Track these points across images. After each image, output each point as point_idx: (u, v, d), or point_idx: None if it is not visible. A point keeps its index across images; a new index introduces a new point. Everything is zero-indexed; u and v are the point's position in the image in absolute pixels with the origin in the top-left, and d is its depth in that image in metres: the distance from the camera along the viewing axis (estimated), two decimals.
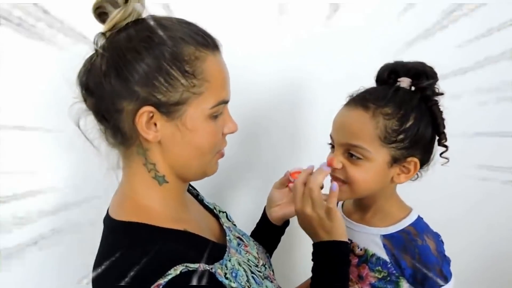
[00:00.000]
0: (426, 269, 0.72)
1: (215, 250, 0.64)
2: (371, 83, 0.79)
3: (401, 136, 0.70)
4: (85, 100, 0.58)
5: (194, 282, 0.49)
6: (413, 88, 0.76)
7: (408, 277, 0.74)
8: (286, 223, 0.88)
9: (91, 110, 0.58)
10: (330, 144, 0.80)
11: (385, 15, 1.17)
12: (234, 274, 0.62)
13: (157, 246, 0.53)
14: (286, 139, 1.20)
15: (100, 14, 0.56)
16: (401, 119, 0.71)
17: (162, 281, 0.47)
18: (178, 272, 0.48)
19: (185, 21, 0.58)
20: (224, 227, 0.76)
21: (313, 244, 0.72)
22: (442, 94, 0.75)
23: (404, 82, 0.75)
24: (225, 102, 0.61)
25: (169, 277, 0.47)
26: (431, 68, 0.75)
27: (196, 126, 0.58)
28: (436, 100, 0.75)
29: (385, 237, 0.77)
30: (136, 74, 0.53)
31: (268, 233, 0.88)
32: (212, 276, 0.54)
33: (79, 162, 0.90)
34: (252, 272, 0.68)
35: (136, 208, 0.60)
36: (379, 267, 0.76)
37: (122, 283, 0.48)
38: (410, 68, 0.75)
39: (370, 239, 0.79)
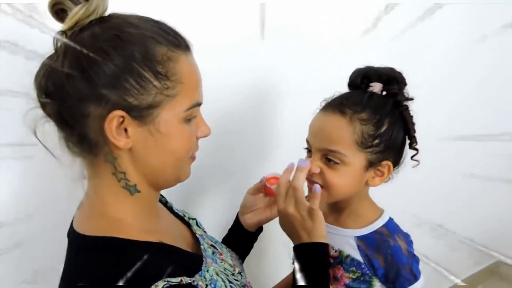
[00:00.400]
0: (397, 268, 0.75)
1: (192, 261, 0.62)
2: (341, 86, 0.81)
3: (376, 141, 0.73)
4: (43, 106, 0.52)
5: None
6: (384, 93, 0.78)
7: (381, 277, 0.77)
8: (259, 229, 0.88)
9: (51, 116, 0.52)
10: (306, 148, 0.81)
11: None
12: (213, 285, 0.60)
13: (134, 262, 0.50)
14: (259, 144, 1.19)
15: (58, 11, 0.51)
16: (376, 124, 0.73)
17: None
18: (160, 287, 0.46)
19: (153, 20, 0.55)
20: (197, 235, 0.73)
21: (294, 247, 0.72)
22: (412, 99, 0.78)
23: (376, 87, 0.78)
24: (199, 104, 0.58)
25: None
26: (400, 74, 0.78)
27: (170, 131, 0.55)
28: (407, 105, 0.78)
29: (359, 238, 0.79)
30: (104, 75, 0.48)
31: (241, 240, 0.87)
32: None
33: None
34: (230, 282, 0.66)
35: (106, 222, 0.56)
36: (354, 268, 0.78)
37: None
38: (381, 74, 0.77)
39: (345, 240, 0.80)
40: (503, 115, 1.92)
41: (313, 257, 0.70)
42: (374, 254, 0.77)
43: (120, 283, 0.46)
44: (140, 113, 0.51)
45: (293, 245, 0.73)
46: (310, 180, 0.77)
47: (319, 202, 0.70)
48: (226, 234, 0.90)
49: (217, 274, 0.64)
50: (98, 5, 0.50)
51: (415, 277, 0.76)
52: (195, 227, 0.78)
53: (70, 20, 0.49)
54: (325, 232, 0.71)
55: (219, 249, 0.76)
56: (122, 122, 0.51)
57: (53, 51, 0.51)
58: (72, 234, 0.58)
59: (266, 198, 0.86)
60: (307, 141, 0.79)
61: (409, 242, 0.78)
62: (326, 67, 1.19)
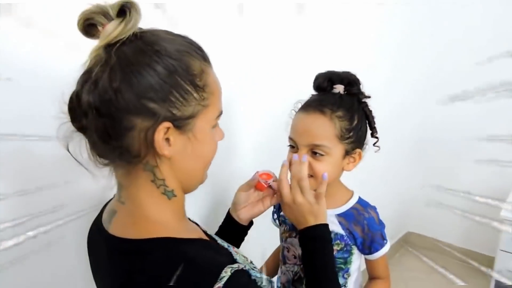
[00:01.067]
0: (372, 235, 0.92)
1: (228, 252, 0.67)
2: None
3: (351, 133, 0.89)
4: (82, 121, 0.53)
5: (244, 279, 0.54)
6: (345, 93, 0.95)
7: (359, 245, 0.94)
8: (251, 223, 0.96)
9: (88, 131, 0.53)
10: (290, 145, 0.94)
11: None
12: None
13: (194, 256, 0.54)
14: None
15: (89, 25, 0.53)
16: (350, 119, 0.89)
17: (220, 284, 0.49)
18: (229, 273, 0.51)
19: (180, 35, 0.58)
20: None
21: (303, 230, 0.82)
22: (369, 97, 0.96)
23: (339, 88, 0.94)
24: (221, 112, 0.64)
25: (224, 279, 0.50)
26: (356, 76, 0.95)
27: (204, 137, 0.60)
28: (366, 102, 0.96)
29: (339, 215, 0.95)
30: (151, 89, 0.51)
31: (235, 234, 0.93)
32: (249, 273, 0.58)
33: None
34: (252, 269, 0.75)
35: (153, 225, 0.59)
36: (338, 241, 0.94)
37: None
38: (343, 77, 0.94)
39: (328, 220, 0.95)
40: None
41: (322, 237, 0.81)
42: (353, 226, 0.93)
43: (189, 275, 0.51)
44: (182, 123, 0.55)
45: (299, 229, 0.83)
46: None
47: (324, 187, 0.83)
48: (218, 230, 0.96)
49: (243, 263, 0.73)
50: (136, 21, 0.52)
51: (385, 240, 0.94)
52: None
53: (108, 36, 0.51)
54: (326, 214, 0.84)
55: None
56: (165, 133, 0.54)
57: (89, 67, 0.52)
58: (117, 242, 0.58)
59: (257, 193, 0.95)
60: (291, 139, 0.92)
61: (377, 213, 0.96)
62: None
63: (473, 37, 2.23)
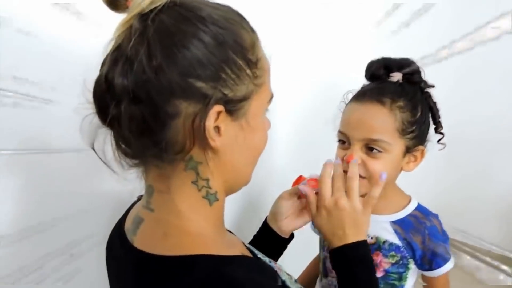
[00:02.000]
0: (434, 248, 0.78)
1: (272, 271, 0.55)
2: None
3: (414, 127, 0.75)
4: (110, 110, 0.42)
5: None
6: (404, 82, 0.80)
7: (418, 258, 0.80)
8: (292, 235, 0.81)
9: (127, 122, 0.42)
10: (340, 140, 0.80)
11: None
12: None
13: (242, 280, 0.43)
14: None
15: None
16: (412, 111, 0.75)
17: None
18: None
19: (221, 4, 0.48)
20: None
21: (340, 248, 0.67)
22: (433, 86, 0.82)
23: (396, 76, 0.79)
24: (273, 95, 0.53)
25: None
26: (415, 63, 0.81)
27: (258, 124, 0.50)
28: (429, 92, 0.81)
29: (395, 223, 0.81)
30: (200, 65, 0.42)
31: (274, 248, 0.78)
32: None
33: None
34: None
35: (188, 238, 0.48)
36: (393, 252, 0.80)
37: None
38: (403, 64, 0.79)
39: (380, 226, 0.81)
40: None
41: (365, 258, 0.66)
42: (411, 236, 0.79)
43: None
44: (235, 107, 0.45)
45: (334, 247, 0.68)
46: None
47: (380, 190, 0.69)
48: (252, 241, 0.81)
49: (290, 285, 0.59)
50: None
51: (450, 255, 0.80)
52: None
53: (140, 3, 0.41)
54: (369, 227, 0.69)
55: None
56: (216, 119, 0.44)
57: (118, 43, 0.42)
58: (146, 258, 0.47)
59: (300, 201, 0.80)
60: (342, 133, 0.79)
61: (440, 222, 0.82)
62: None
63: None
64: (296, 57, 1.15)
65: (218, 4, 0.47)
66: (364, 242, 0.67)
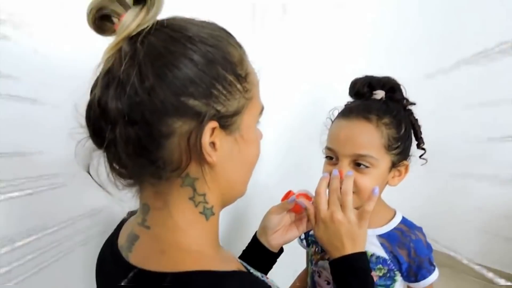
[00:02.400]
0: (419, 260, 0.80)
1: (266, 285, 0.55)
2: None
3: (399, 143, 0.78)
4: (105, 133, 0.43)
5: None
6: (383, 99, 0.83)
7: (404, 271, 0.82)
8: (281, 250, 0.82)
9: (123, 144, 0.43)
10: (328, 156, 0.82)
11: None
12: None
13: None
14: None
15: (102, 17, 0.44)
16: (397, 127, 0.78)
17: None
18: None
19: (208, 21, 0.49)
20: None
21: (339, 259, 0.69)
22: (414, 103, 0.86)
23: (379, 94, 0.83)
24: (263, 107, 0.55)
25: None
26: (396, 81, 0.85)
27: (251, 137, 0.52)
28: (411, 110, 0.85)
29: (382, 236, 0.83)
30: (191, 84, 0.42)
31: (263, 262, 0.79)
32: None
33: None
34: None
35: (185, 254, 0.48)
36: (380, 265, 0.82)
37: None
38: (384, 82, 0.83)
39: (367, 240, 0.83)
40: None
41: (363, 270, 0.69)
42: (397, 249, 0.81)
43: None
44: (228, 122, 0.47)
45: (333, 258, 0.70)
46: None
47: (374, 204, 0.71)
48: (242, 256, 0.81)
49: None
50: (159, 6, 0.43)
51: (434, 266, 0.82)
52: None
53: (128, 27, 0.42)
54: (366, 239, 0.72)
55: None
56: (211, 135, 0.45)
57: (107, 66, 0.43)
58: (144, 275, 0.47)
59: (289, 215, 0.81)
60: (330, 149, 0.81)
61: (425, 235, 0.84)
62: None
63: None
64: (281, 74, 1.18)
65: (204, 21, 0.48)
66: (361, 254, 0.69)
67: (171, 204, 0.48)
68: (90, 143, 0.46)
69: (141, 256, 0.49)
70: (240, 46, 0.50)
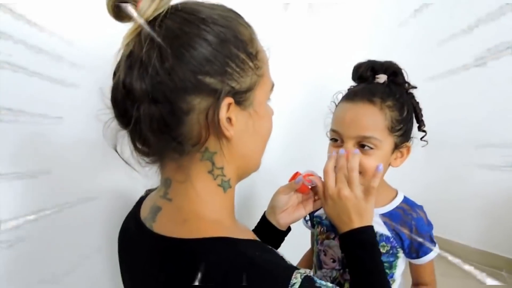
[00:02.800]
0: (421, 237, 0.84)
1: (279, 255, 0.58)
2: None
3: (401, 125, 0.81)
4: (130, 113, 0.46)
5: (314, 285, 0.48)
6: (386, 83, 0.86)
7: (406, 248, 0.86)
8: (289, 228, 0.85)
9: (147, 122, 0.46)
10: (332, 139, 0.86)
11: None
12: None
13: (257, 258, 0.47)
14: None
15: (119, 6, 0.46)
16: (400, 110, 0.81)
17: None
18: (299, 279, 0.45)
19: (216, 3, 0.52)
20: None
21: (347, 233, 0.72)
22: (416, 87, 0.89)
23: (382, 78, 0.86)
24: (274, 84, 0.58)
25: (297, 286, 0.44)
26: (398, 65, 0.87)
27: (264, 112, 0.55)
28: (412, 93, 0.88)
29: (384, 215, 0.87)
30: (207, 62, 0.46)
31: (272, 240, 0.82)
32: (315, 280, 0.51)
33: None
34: None
35: (208, 224, 0.51)
36: (383, 243, 0.86)
37: None
38: (387, 67, 0.86)
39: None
40: None
41: (370, 243, 0.72)
42: (399, 227, 0.85)
43: (258, 279, 0.44)
44: (242, 97, 0.50)
45: (342, 232, 0.74)
46: None
47: (379, 180, 0.74)
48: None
49: None
50: None
51: (434, 243, 0.86)
52: None
53: (145, 12, 0.45)
54: (373, 214, 0.75)
55: None
56: (227, 110, 0.48)
57: (129, 50, 0.46)
58: (167, 241, 0.51)
59: (296, 196, 0.84)
60: (335, 131, 0.84)
61: (425, 213, 0.88)
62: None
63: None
64: (288, 59, 1.20)
65: (213, 4, 0.51)
66: (368, 228, 0.73)
67: (192, 177, 0.52)
68: (115, 124, 0.49)
69: (164, 225, 0.53)
70: (249, 26, 0.53)
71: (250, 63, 0.50)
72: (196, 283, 0.45)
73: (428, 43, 2.14)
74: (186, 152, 0.50)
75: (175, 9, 0.47)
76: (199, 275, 0.45)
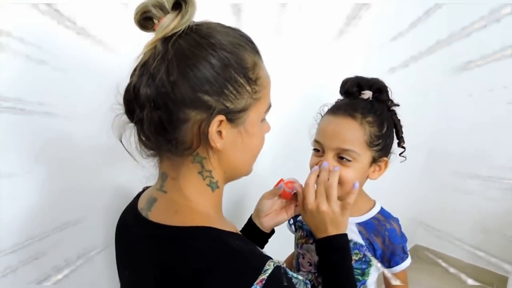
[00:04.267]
0: (393, 248, 0.89)
1: (259, 250, 0.65)
2: None
3: (380, 141, 0.85)
4: (135, 112, 0.53)
5: (285, 275, 0.53)
6: (373, 99, 0.91)
7: (378, 257, 0.90)
8: (272, 231, 0.92)
9: (148, 123, 0.53)
10: (315, 149, 0.90)
11: None
12: None
13: (237, 247, 0.54)
14: None
15: (145, 19, 0.54)
16: (379, 126, 0.86)
17: (264, 276, 0.49)
18: (272, 267, 0.50)
19: (232, 27, 0.58)
20: None
21: (322, 239, 0.78)
22: (398, 105, 0.93)
23: (367, 94, 0.90)
24: (271, 105, 0.64)
25: (268, 271, 0.49)
26: (384, 83, 0.92)
27: (254, 130, 0.60)
28: (395, 110, 0.92)
29: (360, 224, 0.91)
30: (207, 82, 0.52)
31: (257, 241, 0.89)
32: (287, 270, 0.56)
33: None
34: None
35: (195, 214, 0.59)
36: (356, 251, 0.90)
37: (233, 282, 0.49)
38: (372, 83, 0.90)
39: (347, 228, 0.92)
40: None
41: (343, 248, 0.78)
42: (373, 237, 0.90)
43: (240, 261, 0.51)
44: (235, 116, 0.56)
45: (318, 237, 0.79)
46: None
47: (354, 197, 0.80)
48: None
49: None
50: (192, 13, 0.53)
51: (406, 254, 0.90)
52: None
53: (165, 29, 0.51)
54: (347, 225, 0.80)
55: None
56: (219, 125, 0.55)
57: (144, 60, 0.53)
58: (160, 227, 0.58)
59: (280, 201, 0.90)
60: (317, 142, 0.89)
61: (400, 225, 0.92)
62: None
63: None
64: (281, 70, 1.25)
65: (229, 28, 0.58)
66: (342, 235, 0.78)
67: (183, 175, 0.59)
68: (124, 117, 0.57)
69: (159, 214, 0.60)
70: (256, 52, 0.59)
71: (248, 87, 0.56)
72: (184, 266, 0.52)
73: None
74: (179, 154, 0.57)
75: (190, 30, 0.53)
76: (186, 259, 0.53)
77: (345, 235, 0.79)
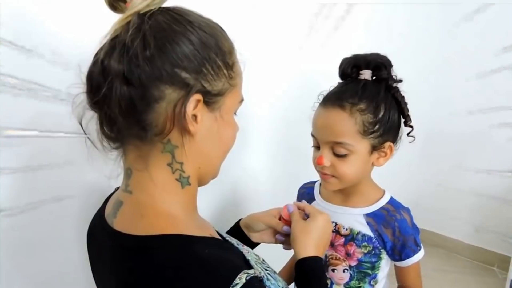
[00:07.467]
0: (404, 240, 0.82)
1: (239, 253, 0.61)
2: None
3: (376, 127, 0.77)
4: (101, 90, 0.47)
5: (260, 286, 0.49)
6: (374, 78, 0.82)
7: (389, 249, 0.84)
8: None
9: (116, 102, 0.47)
10: (315, 143, 0.84)
11: None
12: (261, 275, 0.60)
13: (206, 256, 0.48)
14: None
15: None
16: (374, 111, 0.77)
17: None
18: (244, 280, 0.46)
19: (203, 15, 0.55)
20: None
21: (304, 259, 0.71)
22: (401, 81, 0.83)
23: (366, 74, 0.81)
24: (243, 99, 0.61)
25: (238, 286, 0.45)
26: (386, 58, 0.82)
27: (229, 120, 0.57)
28: (397, 87, 0.83)
29: (368, 215, 0.84)
30: (185, 57, 0.48)
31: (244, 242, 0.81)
32: (263, 281, 0.53)
33: None
34: (265, 269, 0.66)
35: (161, 219, 0.53)
36: (365, 243, 0.84)
37: None
38: (369, 61, 0.81)
39: (354, 218, 0.85)
40: None
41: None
42: (383, 228, 0.83)
43: (202, 278, 0.45)
44: (211, 99, 0.52)
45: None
46: (323, 173, 0.81)
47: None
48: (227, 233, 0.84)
49: (256, 264, 0.64)
50: None
51: (419, 246, 0.84)
52: None
53: (137, 7, 0.47)
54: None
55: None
56: (195, 107, 0.50)
57: (115, 34, 0.48)
58: (120, 238, 0.52)
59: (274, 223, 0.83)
60: (313, 136, 0.82)
61: (411, 216, 0.85)
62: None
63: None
64: (278, 61, 1.17)
65: (204, 16, 0.54)
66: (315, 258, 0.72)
67: (150, 166, 0.53)
68: (85, 99, 0.50)
69: (124, 221, 0.54)
70: (231, 41, 0.56)
71: (225, 71, 0.53)
72: (149, 280, 0.46)
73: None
74: (148, 140, 0.51)
75: (167, 9, 0.51)
76: (152, 272, 0.46)
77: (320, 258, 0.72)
